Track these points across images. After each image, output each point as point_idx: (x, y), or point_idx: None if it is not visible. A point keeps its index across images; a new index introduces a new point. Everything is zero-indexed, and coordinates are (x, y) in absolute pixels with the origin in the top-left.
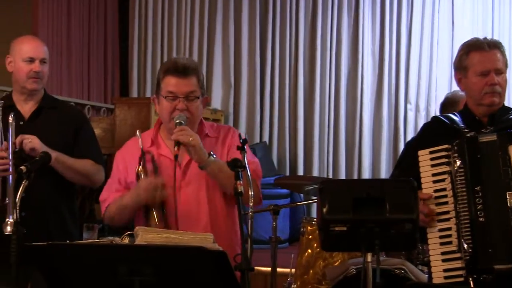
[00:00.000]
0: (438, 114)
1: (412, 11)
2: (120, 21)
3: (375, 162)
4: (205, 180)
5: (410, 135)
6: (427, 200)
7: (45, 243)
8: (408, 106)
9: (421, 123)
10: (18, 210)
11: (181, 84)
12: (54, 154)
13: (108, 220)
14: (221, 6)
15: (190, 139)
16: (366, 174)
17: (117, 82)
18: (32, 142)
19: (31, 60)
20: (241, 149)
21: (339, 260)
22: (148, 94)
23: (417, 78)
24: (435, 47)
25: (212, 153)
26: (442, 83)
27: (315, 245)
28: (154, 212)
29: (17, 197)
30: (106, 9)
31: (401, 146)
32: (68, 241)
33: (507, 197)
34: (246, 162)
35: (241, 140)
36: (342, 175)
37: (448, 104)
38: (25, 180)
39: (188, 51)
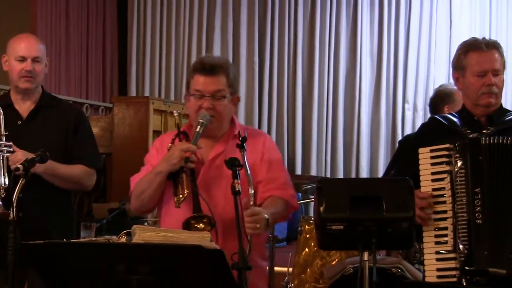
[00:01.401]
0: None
1: (410, 11)
2: (119, 19)
3: (373, 161)
4: (226, 180)
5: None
6: (425, 198)
7: (41, 241)
8: (406, 105)
9: (418, 122)
10: (15, 210)
11: (208, 82)
12: (43, 165)
13: (136, 198)
14: (220, 5)
15: (258, 226)
16: (364, 173)
17: (116, 81)
18: (17, 166)
19: (23, 59)
20: (240, 147)
21: (337, 259)
22: (147, 92)
23: (415, 77)
24: (433, 46)
25: (267, 217)
26: (440, 83)
27: (312, 244)
28: (184, 176)
29: (14, 197)
30: (105, 7)
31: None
32: (65, 240)
33: None
34: (246, 161)
35: (240, 138)
36: (340, 174)
37: (439, 98)
38: (22, 179)
39: (187, 50)
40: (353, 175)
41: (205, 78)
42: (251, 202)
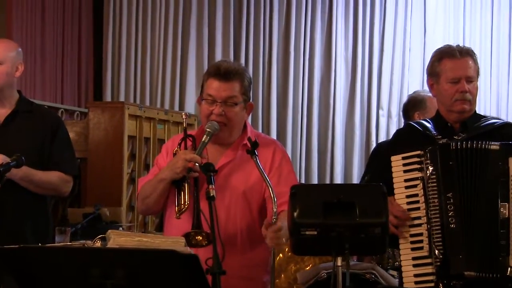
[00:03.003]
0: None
1: (384, 18)
2: (94, 24)
3: (347, 167)
4: (230, 191)
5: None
6: (399, 210)
7: (16, 245)
8: (380, 112)
9: (393, 128)
10: None
11: (221, 88)
12: (20, 172)
13: (141, 201)
14: (195, 12)
15: (283, 241)
16: (338, 179)
17: (91, 86)
18: None
19: None
20: (251, 153)
21: (311, 265)
22: (122, 98)
23: (389, 84)
24: (407, 53)
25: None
26: (414, 89)
27: (286, 249)
28: (186, 186)
29: None
30: (80, 13)
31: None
32: (40, 244)
33: (500, 208)
34: (260, 166)
35: (251, 144)
36: (315, 180)
37: (411, 105)
38: None
39: (162, 56)
40: (328, 181)
41: (218, 83)
42: (274, 210)
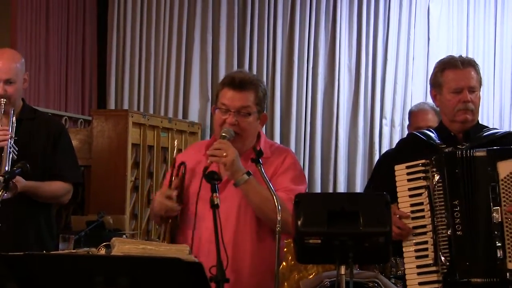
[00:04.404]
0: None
1: (388, 27)
2: (98, 32)
3: (350, 176)
4: (239, 197)
5: (385, 150)
6: (403, 217)
7: (21, 253)
8: (384, 121)
9: (396, 137)
10: None
11: (235, 97)
12: (27, 188)
13: (153, 217)
14: (199, 20)
15: (224, 154)
16: (341, 188)
17: (95, 94)
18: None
19: None
20: (256, 161)
21: (314, 273)
22: (126, 106)
23: (392, 93)
24: (410, 63)
25: (250, 172)
26: (417, 99)
27: (290, 257)
28: (166, 225)
29: None
30: (84, 21)
31: (376, 160)
32: (44, 252)
33: (493, 212)
34: (264, 175)
35: (256, 153)
36: (318, 189)
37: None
38: (2, 191)
39: (166, 64)
40: (331, 190)
41: (233, 93)
42: (278, 218)
